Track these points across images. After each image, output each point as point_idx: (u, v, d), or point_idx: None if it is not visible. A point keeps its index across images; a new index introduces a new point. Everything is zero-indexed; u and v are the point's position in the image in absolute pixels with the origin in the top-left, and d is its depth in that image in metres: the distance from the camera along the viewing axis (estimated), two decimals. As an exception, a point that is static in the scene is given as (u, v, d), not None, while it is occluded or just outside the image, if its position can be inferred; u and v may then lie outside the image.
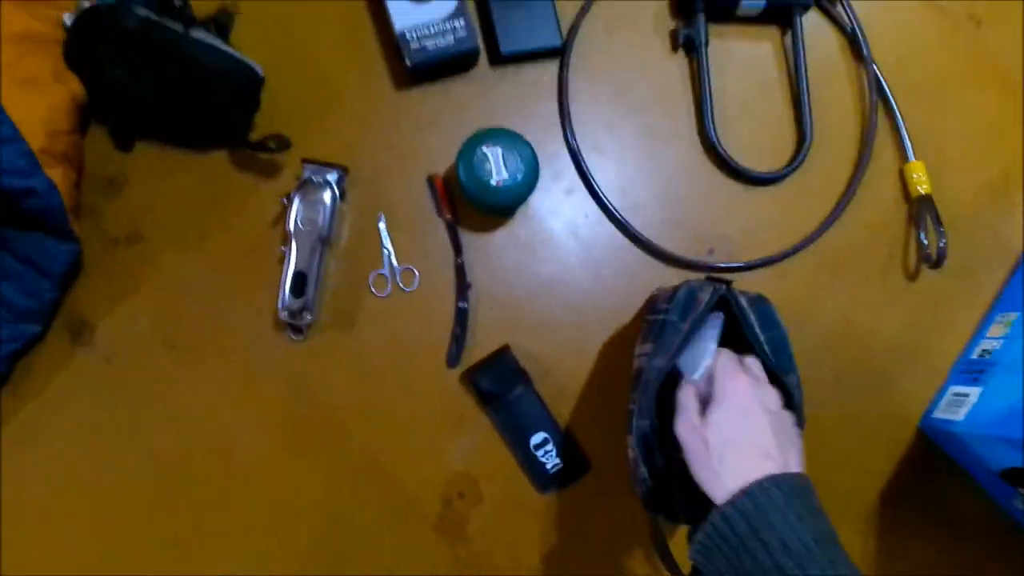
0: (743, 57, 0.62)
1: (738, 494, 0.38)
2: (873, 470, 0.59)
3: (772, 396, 0.43)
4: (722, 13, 0.61)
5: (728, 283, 0.47)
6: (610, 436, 0.57)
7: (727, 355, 0.45)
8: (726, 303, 0.47)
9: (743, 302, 0.47)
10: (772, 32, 0.63)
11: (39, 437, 0.55)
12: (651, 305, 0.55)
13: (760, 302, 0.49)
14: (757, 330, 0.47)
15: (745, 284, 0.58)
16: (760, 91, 0.62)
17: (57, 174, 0.52)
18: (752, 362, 0.45)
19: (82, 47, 0.53)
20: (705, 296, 0.46)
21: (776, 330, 0.48)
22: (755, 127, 0.61)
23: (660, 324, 0.48)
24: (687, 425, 0.42)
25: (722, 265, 0.59)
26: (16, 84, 0.51)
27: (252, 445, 0.56)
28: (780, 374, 0.45)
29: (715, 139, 0.59)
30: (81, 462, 0.55)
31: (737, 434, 0.40)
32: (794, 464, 0.40)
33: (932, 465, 0.58)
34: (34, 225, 0.52)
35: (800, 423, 0.45)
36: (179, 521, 0.56)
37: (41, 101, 0.52)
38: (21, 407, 0.55)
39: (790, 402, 0.45)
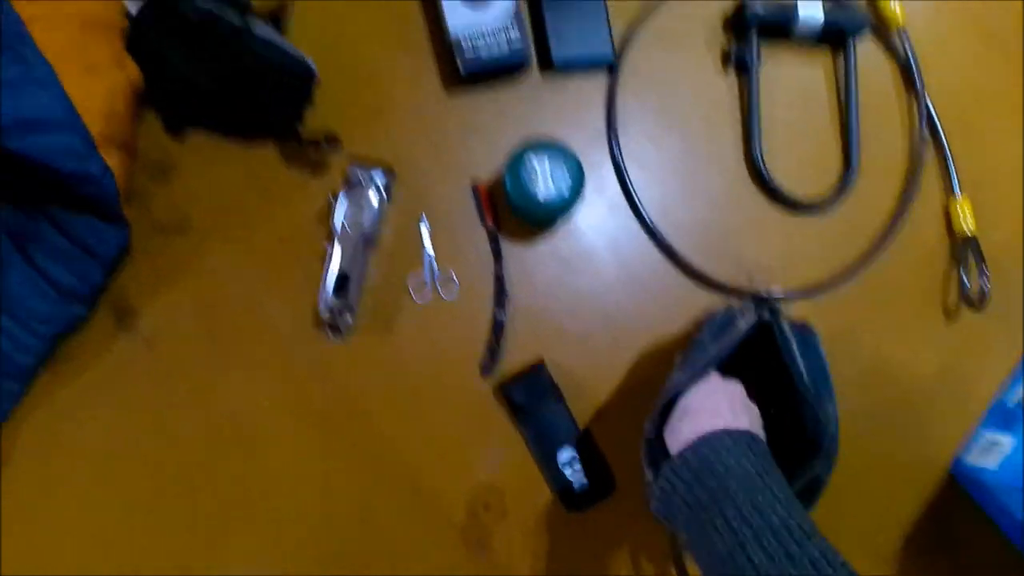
0: (794, 79, 0.62)
1: (693, 440, 0.42)
2: (900, 511, 0.59)
3: (736, 386, 0.47)
4: (776, 34, 0.60)
5: (775, 308, 0.47)
6: (639, 457, 0.58)
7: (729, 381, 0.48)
8: (769, 329, 0.47)
9: (786, 328, 0.47)
10: (825, 56, 0.62)
11: (78, 417, 0.56)
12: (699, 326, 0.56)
13: (804, 330, 0.49)
14: (797, 357, 0.47)
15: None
16: (808, 115, 0.61)
17: (113, 159, 0.53)
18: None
19: (145, 36, 0.54)
20: (744, 324, 0.46)
21: (817, 360, 0.48)
22: (801, 152, 0.61)
23: (692, 342, 0.48)
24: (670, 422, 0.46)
25: (760, 293, 0.59)
26: (78, 68, 0.51)
27: (284, 441, 0.57)
28: (816, 404, 0.45)
29: (761, 163, 0.59)
30: (117, 444, 0.57)
31: (697, 404, 0.45)
32: (744, 419, 0.43)
33: (960, 511, 0.58)
34: (87, 208, 0.53)
35: (833, 454, 0.45)
36: (207, 510, 0.57)
37: (101, 86, 0.53)
38: (63, 387, 0.56)
39: (821, 430, 0.45)
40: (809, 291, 0.59)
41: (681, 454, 0.41)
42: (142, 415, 0.57)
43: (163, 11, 0.52)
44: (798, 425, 0.47)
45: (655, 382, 0.56)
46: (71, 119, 0.50)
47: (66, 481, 0.56)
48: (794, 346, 0.47)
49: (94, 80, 0.53)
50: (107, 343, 0.57)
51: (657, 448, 0.46)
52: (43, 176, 0.50)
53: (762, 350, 0.47)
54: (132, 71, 0.55)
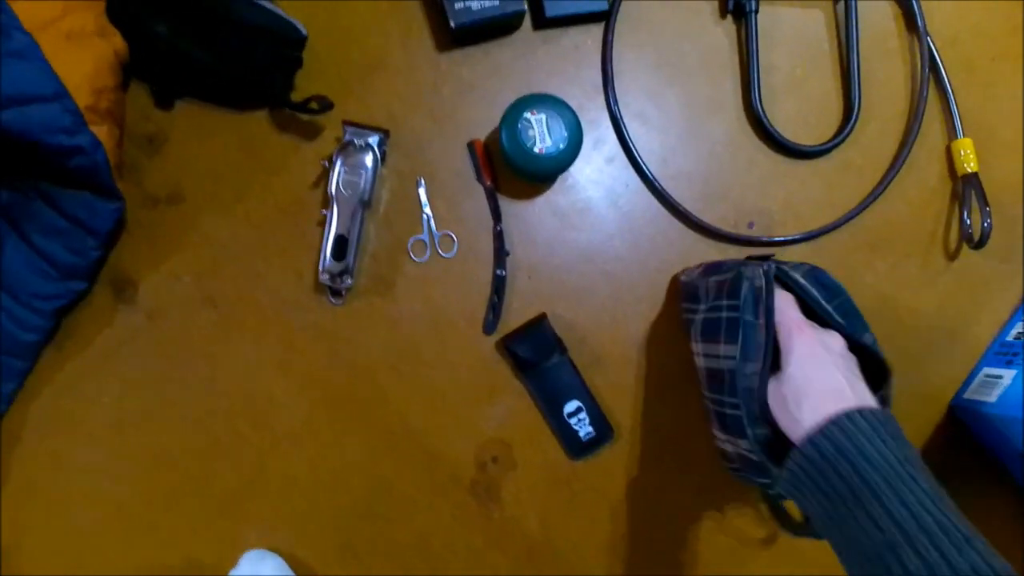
0: (793, 25, 0.60)
1: (824, 423, 0.39)
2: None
3: (835, 340, 0.44)
4: (773, -23, 0.59)
5: (770, 258, 0.47)
6: (642, 405, 0.58)
7: (785, 301, 0.45)
8: (780, 281, 0.47)
9: (799, 278, 0.47)
10: (825, 1, 0.61)
11: (83, 392, 0.57)
12: (688, 292, 0.55)
13: (815, 272, 0.49)
14: (823, 302, 0.47)
15: (784, 257, 0.58)
16: (808, 61, 0.60)
17: (102, 131, 0.52)
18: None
19: (125, 2, 0.52)
20: (762, 282, 0.46)
21: (841, 295, 0.48)
22: (801, 98, 0.60)
23: (731, 323, 0.47)
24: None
25: (761, 239, 0.59)
26: (61, 39, 0.50)
27: (291, 406, 0.57)
28: (858, 338, 0.46)
29: (760, 110, 0.58)
30: (124, 417, 0.57)
31: (811, 381, 0.42)
32: (868, 400, 0.41)
33: (961, 446, 0.59)
34: (80, 183, 0.53)
35: (888, 374, 0.46)
36: (218, 478, 0.57)
37: (86, 57, 0.51)
38: (66, 362, 0.57)
39: (874, 358, 0.45)
40: (811, 234, 0.59)
41: (811, 439, 0.39)
42: (146, 386, 0.57)
43: (143, -25, 0.51)
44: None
45: (657, 333, 0.58)
46: (57, 91, 0.49)
47: (74, 455, 0.57)
48: (814, 291, 0.47)
49: (78, 51, 0.51)
50: (108, 317, 0.57)
51: (777, 446, 0.45)
52: (32, 151, 0.49)
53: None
54: (116, 40, 0.54)
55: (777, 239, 0.59)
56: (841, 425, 0.38)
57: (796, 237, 0.58)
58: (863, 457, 0.37)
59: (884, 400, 0.46)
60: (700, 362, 0.52)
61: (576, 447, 0.57)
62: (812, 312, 0.46)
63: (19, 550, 0.57)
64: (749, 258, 0.50)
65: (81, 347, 0.57)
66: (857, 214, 0.59)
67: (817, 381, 0.42)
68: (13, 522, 0.57)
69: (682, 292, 0.57)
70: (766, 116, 0.58)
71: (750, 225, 0.59)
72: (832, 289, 0.48)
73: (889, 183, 0.59)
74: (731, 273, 0.48)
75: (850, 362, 0.44)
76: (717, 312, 0.49)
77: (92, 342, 0.57)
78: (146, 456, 0.57)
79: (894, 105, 0.60)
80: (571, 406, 0.57)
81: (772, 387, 0.44)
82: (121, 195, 0.54)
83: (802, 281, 0.47)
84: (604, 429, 0.58)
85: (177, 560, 0.58)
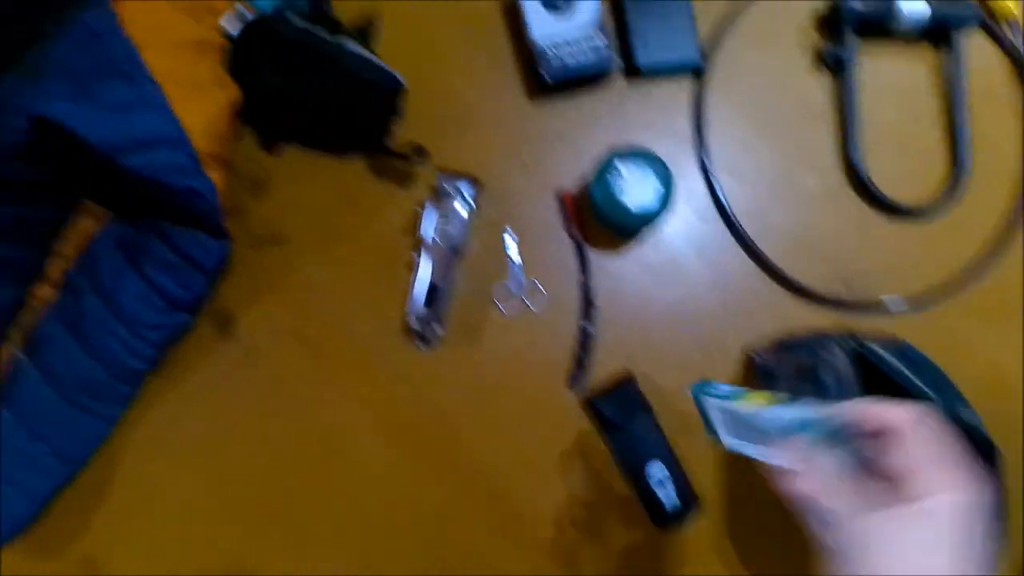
0: (894, 78, 0.59)
1: None
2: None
3: (982, 500, 0.30)
4: (874, 31, 0.57)
5: (853, 335, 0.45)
6: (727, 474, 0.56)
7: (923, 415, 0.31)
8: (862, 358, 0.44)
9: (882, 353, 0.45)
10: (926, 52, 0.59)
11: (181, 420, 0.59)
12: (763, 373, 0.53)
13: (898, 346, 0.47)
14: (914, 378, 0.44)
15: (881, 324, 0.56)
16: (911, 116, 0.58)
17: (216, 175, 0.55)
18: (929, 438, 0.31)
19: (244, 55, 0.56)
20: (845, 364, 0.44)
21: (930, 369, 0.45)
22: (903, 155, 0.58)
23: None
24: (841, 536, 0.30)
25: (858, 301, 0.56)
26: (185, 89, 0.54)
27: (372, 448, 0.58)
28: (955, 412, 0.43)
29: (859, 165, 0.56)
30: (215, 448, 0.59)
31: (925, 559, 0.29)
32: None
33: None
34: (193, 223, 0.56)
35: (996, 453, 0.41)
36: (296, 513, 0.58)
37: (205, 106, 0.55)
38: (169, 391, 0.59)
39: (978, 435, 0.42)
40: (916, 300, 0.56)
41: None
42: (239, 420, 0.59)
43: (260, 32, 0.55)
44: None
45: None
46: (179, 138, 0.53)
47: (166, 481, 0.59)
48: (901, 366, 0.45)
49: (199, 100, 0.55)
50: (209, 350, 0.59)
51: None
52: (153, 192, 0.53)
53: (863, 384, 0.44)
54: (232, 90, 0.58)
55: (874, 302, 0.56)
56: None
57: (898, 302, 0.56)
58: None
59: (995, 481, 0.42)
60: None
61: (660, 516, 0.55)
62: (898, 389, 0.44)
63: (111, 572, 0.59)
64: (825, 336, 0.47)
65: (183, 376, 0.59)
66: (969, 281, 0.55)
67: (933, 557, 0.29)
68: (106, 542, 0.59)
69: (757, 373, 0.55)
70: (866, 171, 0.56)
71: (845, 286, 0.57)
72: (920, 363, 0.45)
73: (1001, 248, 0.55)
74: (808, 356, 0.46)
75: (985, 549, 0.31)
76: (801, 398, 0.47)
77: (193, 374, 0.59)
78: (234, 489, 0.59)
79: (1005, 161, 0.57)
80: (656, 472, 0.54)
81: (856, 532, 0.31)
82: (229, 235, 0.57)
83: (886, 356, 0.44)
84: (689, 499, 0.55)
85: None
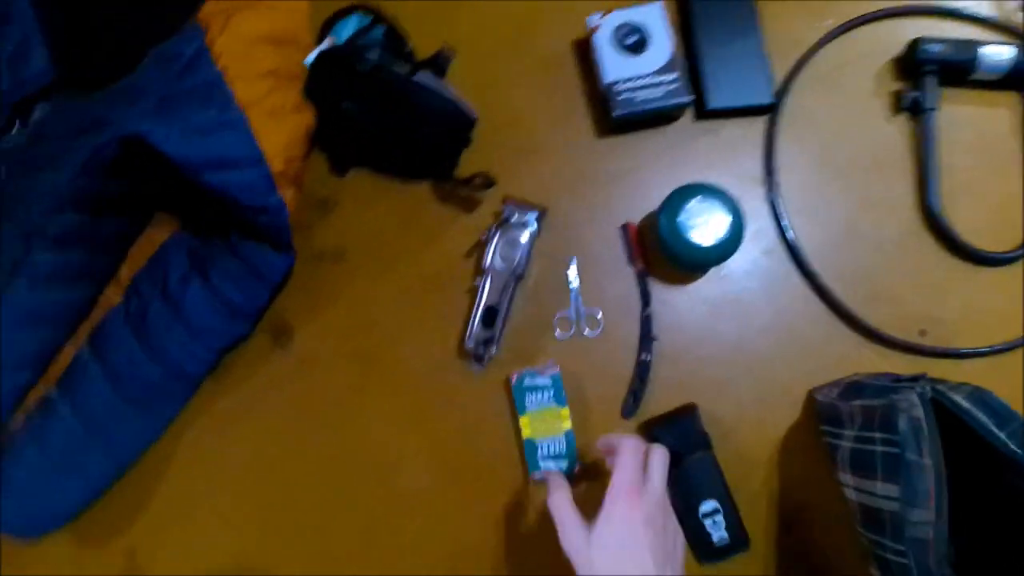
0: (974, 124, 0.57)
1: None
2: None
3: (659, 514, 0.43)
4: (955, 77, 0.56)
5: (922, 378, 0.42)
6: (779, 513, 0.54)
7: (631, 452, 0.44)
8: (937, 404, 0.42)
9: (961, 401, 0.42)
10: (1010, 99, 0.57)
11: (233, 427, 0.60)
12: (827, 414, 0.51)
13: (981, 394, 0.44)
14: (993, 428, 0.41)
15: (959, 374, 0.53)
16: (992, 162, 0.56)
17: (288, 194, 0.57)
18: (656, 462, 0.45)
19: (322, 84, 0.58)
20: (920, 412, 0.42)
21: (1014, 421, 0.42)
22: (983, 202, 0.56)
23: (889, 460, 0.43)
24: (571, 544, 0.43)
25: (935, 349, 0.54)
26: (265, 114, 0.56)
27: (417, 468, 0.57)
28: None
29: (938, 211, 0.54)
30: (261, 455, 0.59)
31: (621, 559, 0.42)
32: None
33: None
34: (262, 237, 0.58)
35: None
36: (335, 530, 0.57)
37: (283, 129, 0.57)
38: (222, 397, 0.60)
39: None
40: (996, 349, 0.53)
41: None
42: (287, 431, 0.59)
43: (338, 62, 0.57)
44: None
45: (806, 439, 0.53)
46: (256, 159, 0.55)
47: (210, 489, 0.59)
48: (980, 415, 0.42)
49: (278, 124, 0.58)
50: (264, 359, 0.60)
51: None
52: (228, 207, 0.55)
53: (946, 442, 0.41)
54: (309, 116, 0.60)
55: (951, 350, 0.54)
56: None
57: (981, 350, 0.53)
58: None
59: None
60: (851, 495, 0.48)
61: (706, 551, 0.53)
62: (979, 441, 0.41)
63: (152, 567, 0.59)
64: (897, 380, 0.45)
65: (237, 383, 0.60)
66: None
67: (626, 561, 0.41)
68: (149, 539, 0.59)
69: (820, 413, 0.53)
70: (945, 217, 0.54)
71: (921, 333, 0.54)
72: (1003, 414, 0.42)
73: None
74: (881, 400, 0.44)
75: (670, 539, 0.43)
76: (870, 444, 0.45)
77: (246, 382, 0.60)
78: (274, 499, 0.58)
79: (1094, 214, 0.55)
80: (708, 506, 0.53)
81: (580, 543, 0.43)
82: (294, 250, 0.59)
83: (965, 405, 0.41)
84: (739, 536, 0.53)
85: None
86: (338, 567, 0.57)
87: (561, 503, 0.45)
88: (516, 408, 0.55)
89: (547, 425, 0.55)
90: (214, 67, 0.55)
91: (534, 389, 0.56)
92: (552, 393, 0.55)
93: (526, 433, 0.55)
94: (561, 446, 0.55)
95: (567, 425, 0.55)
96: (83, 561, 0.58)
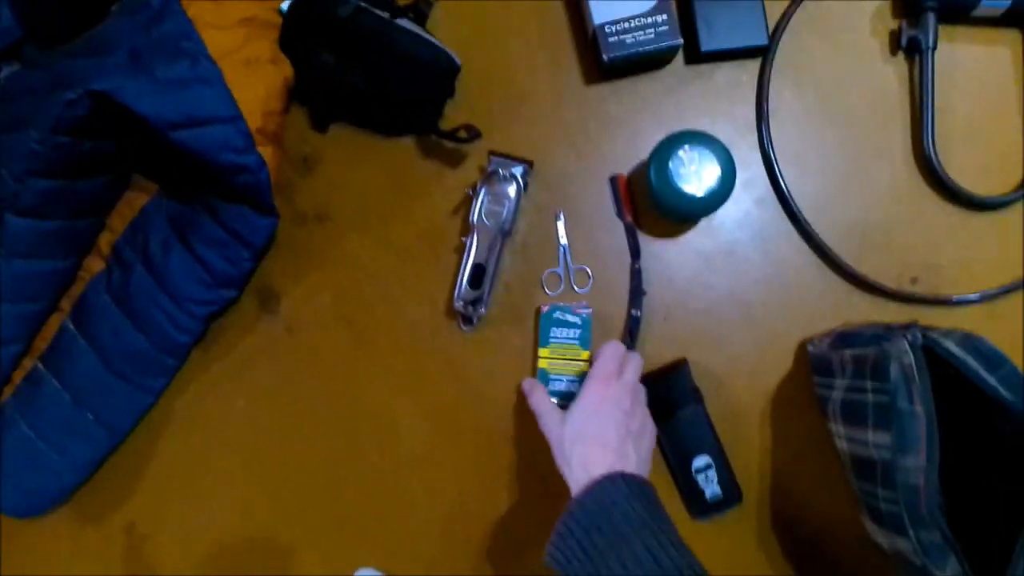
0: (973, 64, 0.55)
1: (590, 484, 0.44)
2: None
3: (627, 399, 0.48)
4: (955, 14, 0.54)
5: (914, 325, 0.42)
6: (775, 469, 0.54)
7: (611, 352, 0.50)
8: (929, 351, 0.42)
9: (952, 347, 0.42)
10: (1008, 37, 0.55)
11: (222, 395, 0.59)
12: (819, 364, 0.51)
13: (971, 340, 0.44)
14: (984, 374, 0.41)
15: (952, 321, 0.53)
16: (990, 104, 0.55)
17: (267, 152, 0.55)
18: (631, 364, 0.50)
19: (297, 32, 0.56)
20: (911, 359, 0.41)
21: (1004, 365, 0.42)
22: (980, 145, 0.54)
23: (881, 409, 0.43)
24: (548, 426, 0.49)
25: (927, 296, 0.53)
26: (240, 65, 0.54)
27: (414, 430, 0.57)
28: None
29: (933, 155, 0.53)
30: (255, 423, 0.59)
31: (586, 429, 0.47)
32: (631, 455, 0.46)
33: None
34: (242, 199, 0.56)
35: None
36: (337, 494, 0.58)
37: (259, 83, 0.55)
38: (211, 364, 0.60)
39: None
40: (988, 294, 0.53)
41: (580, 501, 0.44)
42: (279, 396, 0.59)
43: (313, 8, 0.54)
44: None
45: (799, 393, 0.53)
46: (233, 114, 0.53)
47: (208, 455, 0.59)
48: (972, 361, 0.42)
49: (253, 77, 0.55)
50: (252, 326, 0.59)
51: (956, 546, 0.40)
52: (204, 168, 0.53)
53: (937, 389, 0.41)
54: (286, 68, 0.57)
55: (943, 298, 0.53)
56: (606, 488, 0.43)
57: (971, 297, 0.53)
58: (620, 513, 0.42)
59: None
60: (843, 445, 0.48)
61: (700, 507, 0.53)
62: (970, 387, 0.41)
63: (152, 540, 0.60)
64: (888, 328, 0.45)
65: (225, 351, 0.60)
66: (1047, 276, 0.52)
67: (591, 431, 0.47)
68: (147, 511, 0.60)
69: (811, 364, 0.53)
70: (939, 162, 0.53)
71: (913, 280, 0.54)
72: (993, 359, 0.42)
73: (1088, 243, 0.52)
74: (873, 348, 0.43)
75: (636, 422, 0.48)
76: (861, 393, 0.45)
77: (235, 348, 0.60)
78: (272, 464, 0.59)
79: (1093, 156, 0.54)
80: (700, 461, 0.53)
81: (555, 423, 0.48)
82: (277, 212, 0.57)
83: (956, 351, 0.41)
84: (732, 491, 0.53)
85: (293, 570, 0.59)
86: (341, 530, 0.58)
87: (540, 399, 0.51)
88: (539, 338, 0.55)
89: (565, 363, 0.55)
90: (184, 16, 0.52)
91: (563, 324, 0.55)
92: (579, 332, 0.55)
93: (542, 364, 0.55)
94: (573, 387, 0.55)
95: (584, 368, 0.55)
96: (82, 536, 0.58)
